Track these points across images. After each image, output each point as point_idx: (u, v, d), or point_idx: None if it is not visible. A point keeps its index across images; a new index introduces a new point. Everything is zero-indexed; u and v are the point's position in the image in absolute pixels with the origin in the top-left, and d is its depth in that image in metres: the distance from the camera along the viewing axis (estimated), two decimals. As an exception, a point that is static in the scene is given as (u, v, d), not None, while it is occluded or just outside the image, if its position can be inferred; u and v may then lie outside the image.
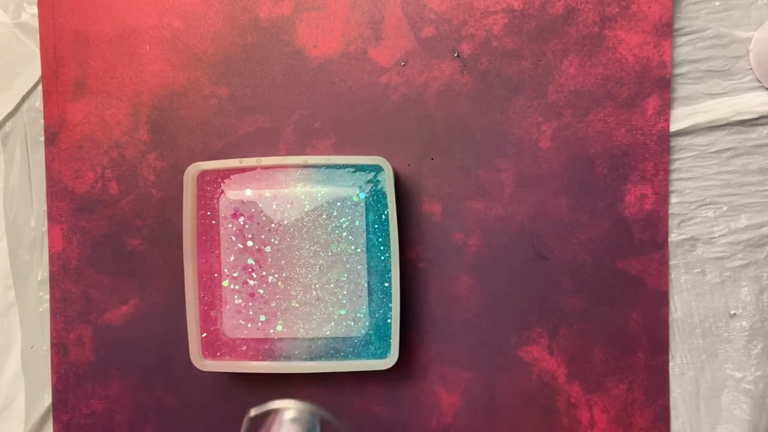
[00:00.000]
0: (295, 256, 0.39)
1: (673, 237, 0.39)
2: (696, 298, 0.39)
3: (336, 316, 0.39)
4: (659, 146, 0.39)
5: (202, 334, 0.39)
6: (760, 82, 0.39)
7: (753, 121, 0.39)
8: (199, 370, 0.39)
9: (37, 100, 0.43)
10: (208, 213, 0.39)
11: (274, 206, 0.39)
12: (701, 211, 0.39)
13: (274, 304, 0.39)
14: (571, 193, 0.39)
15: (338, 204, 0.38)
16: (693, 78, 0.39)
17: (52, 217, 0.42)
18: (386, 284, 0.38)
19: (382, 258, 0.38)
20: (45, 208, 0.43)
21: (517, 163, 0.40)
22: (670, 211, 0.39)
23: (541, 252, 0.40)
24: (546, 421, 0.40)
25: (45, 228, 0.43)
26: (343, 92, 0.41)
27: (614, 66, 0.39)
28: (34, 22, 0.42)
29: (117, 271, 0.42)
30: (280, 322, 0.39)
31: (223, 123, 0.41)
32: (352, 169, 0.39)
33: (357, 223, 0.38)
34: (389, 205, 0.38)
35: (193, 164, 0.39)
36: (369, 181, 0.38)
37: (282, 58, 0.41)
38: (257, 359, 0.39)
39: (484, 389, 0.40)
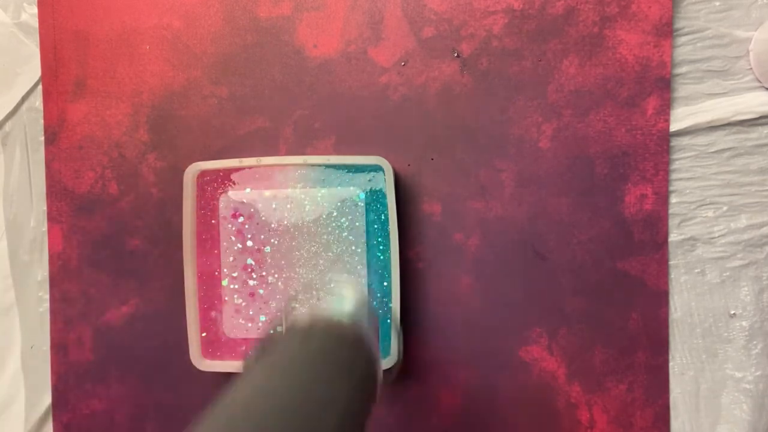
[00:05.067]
0: (295, 257, 0.39)
1: (673, 237, 0.39)
2: (696, 298, 0.39)
3: (336, 316, 0.39)
4: (659, 146, 0.39)
5: (202, 334, 0.39)
6: (760, 82, 0.38)
7: (753, 121, 0.39)
8: (199, 370, 0.39)
9: (37, 100, 0.43)
10: (208, 213, 0.39)
11: (274, 206, 0.39)
12: (701, 211, 0.39)
13: (274, 305, 0.39)
14: (571, 193, 0.39)
15: (338, 204, 0.38)
16: (693, 78, 0.39)
17: (52, 217, 0.42)
18: (386, 284, 0.38)
19: (382, 258, 0.38)
20: (45, 208, 0.43)
21: (517, 163, 0.40)
22: (670, 211, 0.39)
23: (541, 252, 0.40)
24: (546, 421, 0.40)
25: (45, 228, 0.43)
26: (343, 92, 0.41)
27: (614, 66, 0.39)
28: (34, 22, 0.42)
29: (117, 271, 0.42)
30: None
31: (223, 123, 0.41)
32: (352, 169, 0.39)
33: (357, 223, 0.38)
34: (389, 205, 0.37)
35: (193, 164, 0.39)
36: (369, 181, 0.38)
37: (282, 58, 0.41)
38: (257, 359, 0.39)
39: (484, 389, 0.40)
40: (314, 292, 0.39)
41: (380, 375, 0.28)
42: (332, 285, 0.32)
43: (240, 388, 0.21)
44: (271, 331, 0.27)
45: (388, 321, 0.38)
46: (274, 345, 0.25)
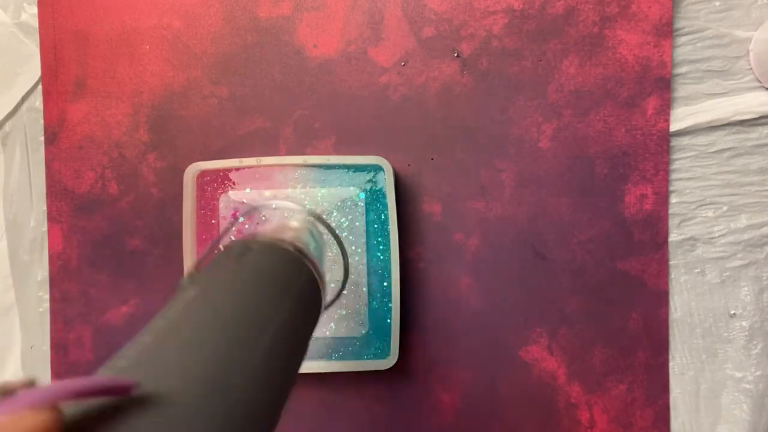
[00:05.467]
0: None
1: (673, 237, 0.39)
2: (696, 298, 0.39)
3: (336, 316, 0.39)
4: (659, 146, 0.39)
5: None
6: (760, 82, 0.39)
7: (753, 121, 0.39)
8: (199, 370, 0.39)
9: (37, 100, 0.43)
10: (208, 213, 0.39)
11: (274, 206, 0.39)
12: (701, 211, 0.39)
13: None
14: (571, 193, 0.39)
15: (338, 204, 0.38)
16: (693, 78, 0.39)
17: (52, 217, 0.42)
18: (386, 284, 0.38)
19: (382, 258, 0.38)
20: (45, 208, 0.43)
21: (517, 163, 0.40)
22: (670, 211, 0.39)
23: (541, 252, 0.40)
24: (546, 421, 0.40)
25: (45, 228, 0.43)
26: (343, 92, 0.41)
27: (614, 66, 0.39)
28: (34, 22, 0.42)
29: (117, 271, 0.42)
30: (280, 322, 0.39)
31: (223, 123, 0.41)
32: (351, 169, 0.39)
33: (357, 224, 0.38)
34: (389, 205, 0.38)
35: (193, 164, 0.39)
36: (369, 181, 0.38)
37: (282, 58, 0.41)
38: (257, 359, 0.39)
39: (484, 389, 0.40)
40: (260, 215, 0.37)
41: (324, 294, 0.26)
42: (275, 208, 0.30)
43: (171, 307, 0.20)
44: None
45: (389, 321, 0.38)
46: (209, 264, 0.24)
